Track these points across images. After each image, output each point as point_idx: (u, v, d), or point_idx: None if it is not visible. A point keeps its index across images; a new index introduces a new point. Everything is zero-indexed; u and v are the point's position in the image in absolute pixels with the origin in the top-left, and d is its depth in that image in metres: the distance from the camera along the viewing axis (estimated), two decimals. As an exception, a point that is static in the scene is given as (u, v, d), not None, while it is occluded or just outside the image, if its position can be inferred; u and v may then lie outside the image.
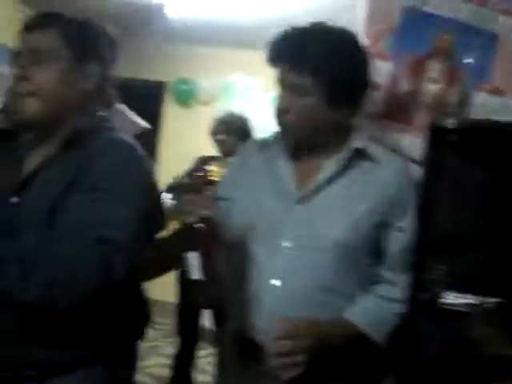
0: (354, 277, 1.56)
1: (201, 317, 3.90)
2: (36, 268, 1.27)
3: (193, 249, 1.53)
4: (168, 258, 1.71)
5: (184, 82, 6.50)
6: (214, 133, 3.78)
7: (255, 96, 6.44)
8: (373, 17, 1.90)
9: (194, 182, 3.48)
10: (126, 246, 1.32)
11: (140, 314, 1.58)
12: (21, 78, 1.41)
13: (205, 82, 6.46)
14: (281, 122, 1.58)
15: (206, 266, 1.57)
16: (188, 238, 1.57)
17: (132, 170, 1.42)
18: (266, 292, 1.55)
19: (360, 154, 1.58)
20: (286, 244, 1.54)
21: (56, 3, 5.38)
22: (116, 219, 1.33)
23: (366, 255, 1.55)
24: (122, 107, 2.37)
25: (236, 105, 6.44)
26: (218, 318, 3.71)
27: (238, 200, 1.67)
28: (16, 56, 1.44)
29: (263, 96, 6.36)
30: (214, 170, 3.66)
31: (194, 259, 1.52)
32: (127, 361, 1.58)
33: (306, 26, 1.55)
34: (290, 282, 1.53)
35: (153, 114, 6.46)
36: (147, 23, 5.64)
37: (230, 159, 3.66)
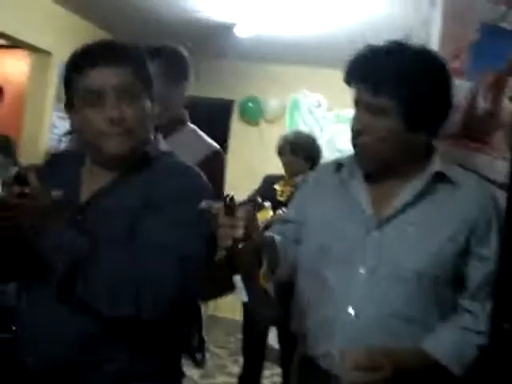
0: (433, 306, 1.48)
1: (267, 336, 3.86)
2: (124, 284, 1.33)
3: (233, 271, 1.52)
4: (221, 280, 1.70)
5: (251, 100, 6.54)
6: (281, 152, 3.76)
7: (321, 113, 6.41)
8: (449, 34, 1.84)
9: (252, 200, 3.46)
10: (201, 264, 1.42)
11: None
12: (112, 118, 1.41)
13: (272, 100, 6.47)
14: (357, 144, 1.53)
15: (250, 288, 1.54)
16: (227, 260, 1.55)
17: (201, 194, 1.46)
18: (340, 320, 1.50)
19: (440, 177, 1.51)
20: (362, 271, 1.49)
21: (125, 23, 5.54)
22: (192, 240, 1.40)
23: (445, 283, 1.48)
24: (194, 128, 2.37)
25: (302, 122, 6.43)
26: (283, 339, 3.68)
27: (310, 223, 1.63)
28: (96, 93, 1.41)
29: (329, 113, 6.34)
30: (281, 190, 3.64)
31: (238, 282, 1.50)
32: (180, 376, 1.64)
33: (383, 43, 1.50)
34: (366, 310, 1.47)
35: (221, 131, 6.52)
36: (216, 42, 5.71)
37: (297, 179, 3.67)
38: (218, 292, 1.76)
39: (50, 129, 5.45)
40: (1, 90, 3.92)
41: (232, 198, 1.32)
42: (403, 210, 1.50)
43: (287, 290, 1.70)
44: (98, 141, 1.43)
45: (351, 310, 1.48)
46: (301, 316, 1.62)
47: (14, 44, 5.31)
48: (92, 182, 1.52)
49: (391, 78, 1.43)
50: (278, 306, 1.68)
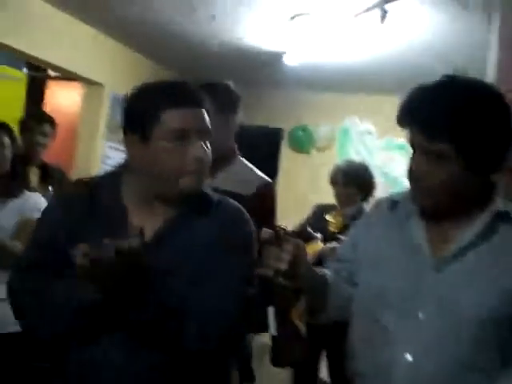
0: (496, 352, 1.38)
1: (318, 369, 3.76)
2: (194, 320, 1.41)
3: (269, 303, 1.48)
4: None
5: (301, 128, 6.52)
6: (333, 182, 3.69)
7: (372, 140, 6.34)
8: (506, 59, 1.75)
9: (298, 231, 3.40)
10: (256, 301, 1.50)
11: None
12: (197, 158, 1.46)
13: (322, 128, 6.44)
14: (416, 187, 1.45)
15: (281, 323, 1.49)
16: (264, 292, 1.52)
17: (252, 235, 1.57)
18: (398, 366, 1.41)
19: (501, 216, 1.42)
20: (421, 315, 1.41)
21: (174, 54, 5.61)
22: (249, 278, 1.48)
23: (508, 328, 1.38)
24: (244, 160, 2.35)
25: (353, 150, 6.37)
26: (335, 374, 3.58)
27: (364, 262, 1.56)
28: (182, 132, 1.44)
29: (380, 140, 6.26)
30: (332, 221, 3.56)
31: (271, 314, 1.46)
32: None
33: (437, 82, 1.42)
34: (426, 356, 1.39)
35: (271, 160, 6.51)
36: (266, 71, 5.72)
37: (349, 210, 3.59)
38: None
39: (102, 159, 5.53)
40: (54, 121, 3.97)
41: (284, 230, 1.33)
42: (463, 251, 1.42)
43: (341, 329, 1.64)
44: (175, 176, 1.46)
45: (409, 357, 1.40)
46: (355, 359, 1.55)
47: (68, 76, 5.44)
48: (147, 217, 1.50)
49: (447, 122, 1.34)
50: (306, 346, 1.63)
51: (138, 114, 1.47)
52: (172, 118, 1.44)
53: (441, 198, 1.42)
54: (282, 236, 1.33)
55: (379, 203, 1.68)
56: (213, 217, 1.54)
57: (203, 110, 1.49)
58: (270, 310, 1.44)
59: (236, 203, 1.61)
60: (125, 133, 1.50)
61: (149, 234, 1.46)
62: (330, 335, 2.96)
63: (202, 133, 1.48)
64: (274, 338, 1.50)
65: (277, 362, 1.66)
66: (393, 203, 1.58)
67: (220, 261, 1.47)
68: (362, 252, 1.59)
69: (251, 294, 1.48)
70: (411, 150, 1.44)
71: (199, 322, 1.41)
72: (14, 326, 2.42)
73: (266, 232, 1.35)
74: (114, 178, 1.57)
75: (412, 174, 1.44)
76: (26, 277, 1.51)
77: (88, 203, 1.52)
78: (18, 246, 2.41)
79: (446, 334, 1.38)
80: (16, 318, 1.53)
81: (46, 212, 1.63)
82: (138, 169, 1.50)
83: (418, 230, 1.48)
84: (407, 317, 1.42)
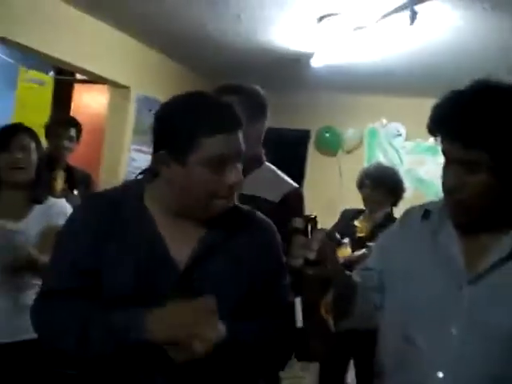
0: None
1: (346, 374, 3.71)
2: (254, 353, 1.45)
3: (297, 294, 1.43)
4: None
5: (328, 130, 6.44)
6: (361, 186, 3.63)
7: (400, 142, 6.24)
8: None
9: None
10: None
11: None
12: (233, 184, 1.44)
13: (349, 130, 6.36)
14: (451, 200, 1.39)
15: (308, 316, 1.44)
16: (293, 282, 1.49)
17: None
18: (429, 383, 1.36)
19: None
20: (455, 331, 1.35)
21: (201, 56, 5.58)
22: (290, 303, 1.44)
23: None
24: (271, 166, 2.31)
25: (381, 152, 6.28)
26: (362, 379, 3.52)
27: (394, 273, 1.50)
28: (220, 158, 1.40)
29: (408, 142, 6.16)
30: (360, 226, 3.50)
31: (298, 305, 1.41)
32: None
33: (470, 87, 1.35)
34: (457, 372, 1.34)
35: (297, 162, 6.45)
36: (293, 73, 5.67)
37: (378, 214, 3.52)
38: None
39: (128, 162, 5.52)
40: (80, 126, 3.97)
41: (314, 219, 1.32)
42: (499, 264, 1.36)
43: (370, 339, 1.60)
44: (209, 200, 1.42)
45: (440, 374, 1.35)
46: (384, 376, 1.49)
47: (94, 79, 5.44)
48: (179, 236, 1.46)
49: (483, 130, 1.28)
50: (333, 341, 1.59)
51: (175, 137, 1.40)
52: (211, 145, 1.38)
53: (476, 211, 1.37)
54: (312, 225, 1.30)
55: (410, 211, 1.62)
56: (245, 233, 1.52)
57: (240, 133, 1.43)
58: (297, 302, 1.39)
59: (264, 217, 1.60)
60: (155, 149, 1.44)
61: (184, 253, 1.44)
62: (359, 344, 2.90)
63: (239, 156, 1.44)
64: (300, 330, 1.45)
65: (302, 355, 1.61)
66: (425, 212, 1.52)
67: (263, 284, 1.49)
68: (391, 263, 1.53)
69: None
70: (444, 160, 1.38)
71: (259, 354, 1.45)
72: (30, 334, 2.44)
73: (295, 220, 1.31)
74: (137, 188, 1.51)
75: (446, 186, 1.38)
76: (55, 304, 1.43)
77: (112, 218, 1.45)
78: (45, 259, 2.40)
79: (478, 349, 1.33)
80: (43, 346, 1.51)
81: (69, 231, 1.51)
82: (168, 186, 1.44)
83: (452, 242, 1.42)
84: (438, 332, 1.37)
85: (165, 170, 1.42)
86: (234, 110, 1.44)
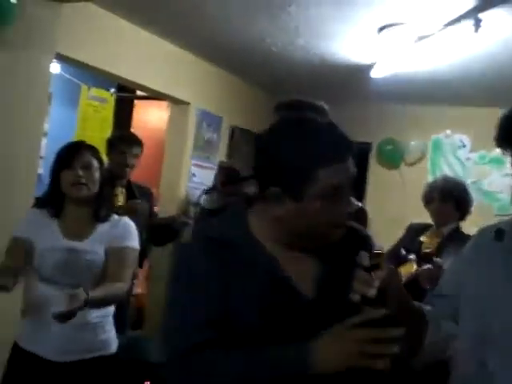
0: None
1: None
2: None
3: None
4: None
5: (390, 142, 6.30)
6: (428, 200, 3.51)
7: (465, 154, 6.04)
8: None
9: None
10: None
11: None
12: (350, 212, 1.39)
13: (412, 142, 6.21)
14: None
15: None
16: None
17: None
18: None
19: None
20: None
21: (259, 70, 5.56)
22: None
23: None
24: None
25: (445, 164, 6.10)
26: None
27: (468, 298, 1.42)
28: (338, 187, 1.34)
29: (473, 154, 5.96)
30: (427, 242, 3.38)
31: None
32: None
33: None
34: None
35: (358, 175, 6.33)
36: (353, 85, 5.59)
37: (446, 229, 3.40)
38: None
39: (188, 177, 5.54)
40: (142, 143, 4.01)
41: (380, 255, 1.26)
42: None
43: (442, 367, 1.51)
44: (326, 231, 1.37)
45: None
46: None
47: (156, 96, 5.49)
48: (298, 268, 1.39)
49: None
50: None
51: (289, 173, 1.32)
52: (329, 176, 1.31)
53: None
54: (375, 261, 1.24)
55: (483, 232, 1.53)
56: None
57: (351, 159, 1.36)
58: None
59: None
60: (262, 185, 1.36)
61: (308, 285, 1.38)
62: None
63: (352, 182, 1.37)
64: None
65: None
66: (498, 232, 1.43)
67: None
68: (464, 286, 1.46)
69: None
70: None
71: None
72: (97, 352, 2.44)
73: (361, 256, 1.25)
74: (241, 223, 1.41)
75: None
76: (204, 357, 1.31)
77: (230, 260, 1.36)
78: (122, 288, 2.41)
79: None
80: None
81: (193, 283, 1.38)
82: (277, 220, 1.36)
83: None
84: None
85: (277, 209, 1.35)
86: (345, 135, 1.37)
